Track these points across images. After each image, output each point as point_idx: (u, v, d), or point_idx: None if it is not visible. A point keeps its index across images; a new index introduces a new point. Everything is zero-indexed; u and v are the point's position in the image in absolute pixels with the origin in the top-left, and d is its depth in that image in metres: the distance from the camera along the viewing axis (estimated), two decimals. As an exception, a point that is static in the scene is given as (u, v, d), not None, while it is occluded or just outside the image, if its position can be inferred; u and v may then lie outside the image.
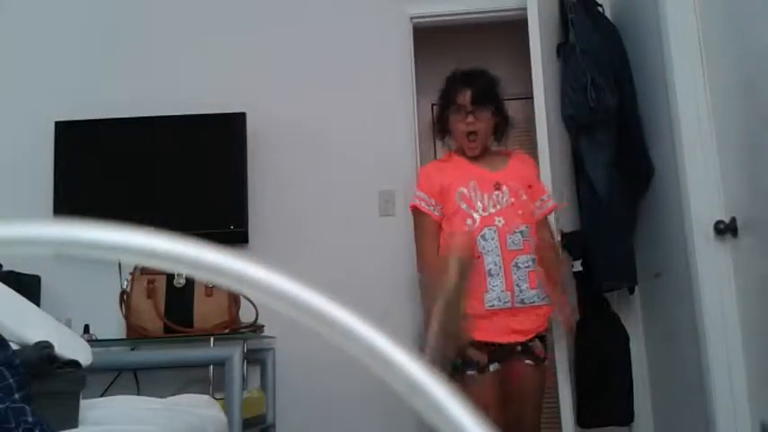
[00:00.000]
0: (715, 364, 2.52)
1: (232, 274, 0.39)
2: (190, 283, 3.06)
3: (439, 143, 3.08)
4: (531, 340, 2.44)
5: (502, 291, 2.37)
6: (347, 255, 3.48)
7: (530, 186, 2.51)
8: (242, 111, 3.53)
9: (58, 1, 3.82)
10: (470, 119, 2.50)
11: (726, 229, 2.49)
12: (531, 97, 3.07)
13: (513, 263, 2.38)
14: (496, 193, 2.44)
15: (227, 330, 3.03)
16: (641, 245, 3.30)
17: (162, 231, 0.39)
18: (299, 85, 3.68)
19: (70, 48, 3.76)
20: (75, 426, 1.42)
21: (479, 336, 2.33)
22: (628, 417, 3.16)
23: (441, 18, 3.77)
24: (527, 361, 2.43)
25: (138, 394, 3.08)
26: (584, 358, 3.10)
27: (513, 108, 4.76)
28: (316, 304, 0.39)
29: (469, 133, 2.51)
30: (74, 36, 3.78)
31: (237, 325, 3.10)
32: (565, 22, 3.41)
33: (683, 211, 2.67)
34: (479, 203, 2.41)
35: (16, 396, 1.21)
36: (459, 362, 2.35)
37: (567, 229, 3.11)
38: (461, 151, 2.58)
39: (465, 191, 2.44)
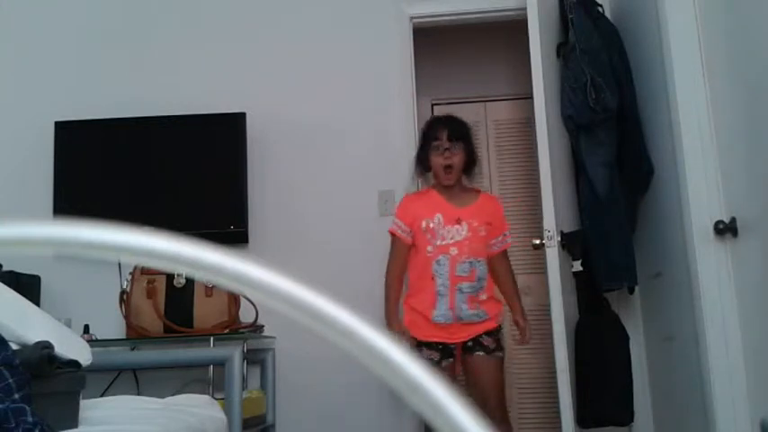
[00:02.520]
0: (715, 363, 2.52)
1: (232, 274, 0.39)
2: (190, 283, 3.06)
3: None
4: (478, 336, 2.86)
5: (446, 309, 2.82)
6: (347, 255, 3.49)
7: (489, 224, 2.92)
8: (242, 111, 3.53)
9: (58, 1, 3.82)
10: (447, 154, 2.91)
11: (726, 229, 2.49)
12: (531, 97, 3.07)
13: (457, 287, 2.82)
14: (456, 227, 2.88)
15: (227, 330, 3.03)
16: (641, 245, 3.29)
17: (162, 231, 0.39)
18: (299, 85, 3.68)
19: (70, 48, 3.76)
20: (74, 426, 1.42)
21: (428, 337, 2.84)
22: (628, 417, 3.16)
23: (441, 18, 3.77)
24: (477, 352, 2.85)
25: (138, 394, 3.08)
26: (584, 358, 3.10)
27: (513, 108, 4.81)
28: (315, 304, 0.39)
29: (446, 167, 2.91)
30: (73, 36, 3.78)
31: (237, 325, 3.10)
32: (565, 22, 3.41)
33: (683, 211, 2.67)
34: (439, 234, 2.87)
35: (16, 396, 1.21)
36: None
37: (567, 230, 3.11)
38: (438, 185, 2.98)
39: (430, 223, 2.89)
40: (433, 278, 2.83)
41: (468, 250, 2.84)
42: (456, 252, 2.83)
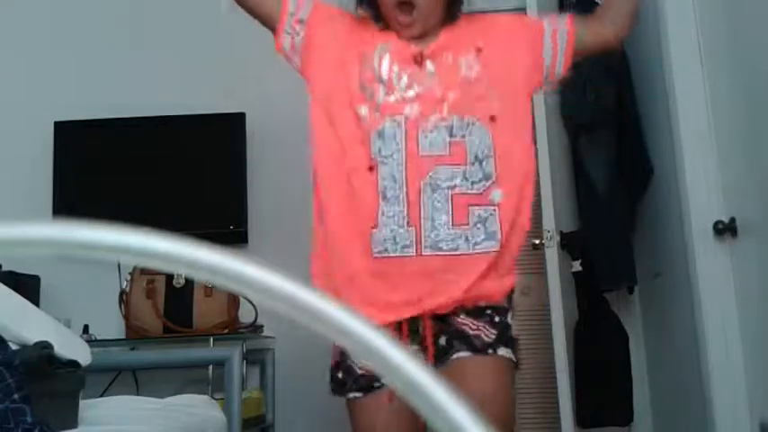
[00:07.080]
0: (715, 363, 2.52)
1: (231, 275, 0.39)
2: (189, 283, 3.06)
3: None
4: (457, 313, 1.51)
5: (400, 225, 1.47)
6: (347, 255, 3.48)
7: (479, 50, 1.55)
8: (242, 111, 3.52)
9: (58, 1, 3.81)
10: None
11: (725, 230, 2.49)
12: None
13: (426, 180, 1.48)
14: (415, 67, 1.55)
15: (226, 330, 3.03)
16: (641, 245, 3.29)
17: (161, 231, 0.39)
18: (299, 85, 3.65)
19: (70, 48, 3.76)
20: (74, 426, 1.42)
21: (360, 305, 1.46)
22: (627, 417, 3.16)
23: (440, 18, 3.75)
24: (459, 353, 1.48)
25: (138, 394, 3.07)
26: (584, 358, 3.10)
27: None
28: (315, 304, 0.39)
29: (401, 3, 1.55)
30: (74, 36, 3.77)
31: (237, 325, 3.10)
32: (564, 23, 3.40)
33: (683, 211, 2.67)
34: (383, 80, 1.53)
35: (15, 396, 1.21)
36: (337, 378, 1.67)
37: (567, 230, 3.11)
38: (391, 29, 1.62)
39: (371, 60, 1.57)
40: (372, 168, 1.50)
41: (441, 105, 1.51)
42: (416, 112, 1.51)
